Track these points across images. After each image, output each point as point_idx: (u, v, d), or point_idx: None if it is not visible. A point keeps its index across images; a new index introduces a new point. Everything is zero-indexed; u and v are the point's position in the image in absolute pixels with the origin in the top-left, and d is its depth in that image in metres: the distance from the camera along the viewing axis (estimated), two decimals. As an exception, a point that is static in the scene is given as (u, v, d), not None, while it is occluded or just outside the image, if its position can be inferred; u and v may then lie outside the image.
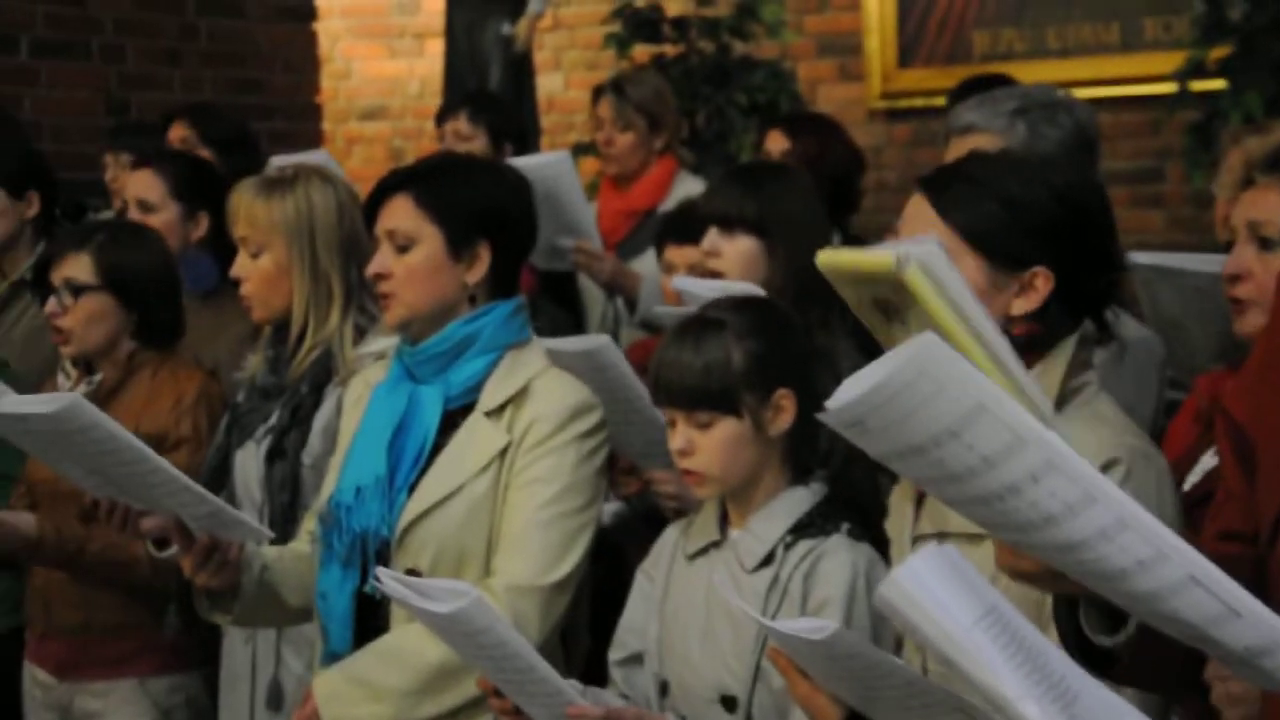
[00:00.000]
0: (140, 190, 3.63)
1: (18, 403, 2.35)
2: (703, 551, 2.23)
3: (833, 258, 1.75)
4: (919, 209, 1.99)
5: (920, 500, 2.00)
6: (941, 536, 1.90)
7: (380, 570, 2.09)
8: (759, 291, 2.50)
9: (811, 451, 2.21)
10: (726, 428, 2.14)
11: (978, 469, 1.31)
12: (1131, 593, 1.32)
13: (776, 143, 3.98)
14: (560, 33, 7.18)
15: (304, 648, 2.68)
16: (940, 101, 4.83)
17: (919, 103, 6.40)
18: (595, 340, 2.68)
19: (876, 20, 6.63)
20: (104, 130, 5.09)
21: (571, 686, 2.08)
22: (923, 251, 1.63)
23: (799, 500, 2.19)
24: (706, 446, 2.14)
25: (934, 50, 6.58)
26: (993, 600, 1.31)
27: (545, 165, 3.69)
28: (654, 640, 2.24)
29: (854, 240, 3.84)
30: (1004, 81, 3.66)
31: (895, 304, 1.67)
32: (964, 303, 1.64)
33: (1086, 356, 1.98)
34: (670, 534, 2.34)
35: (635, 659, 2.30)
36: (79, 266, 3.04)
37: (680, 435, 2.16)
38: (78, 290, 3.02)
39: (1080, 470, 1.27)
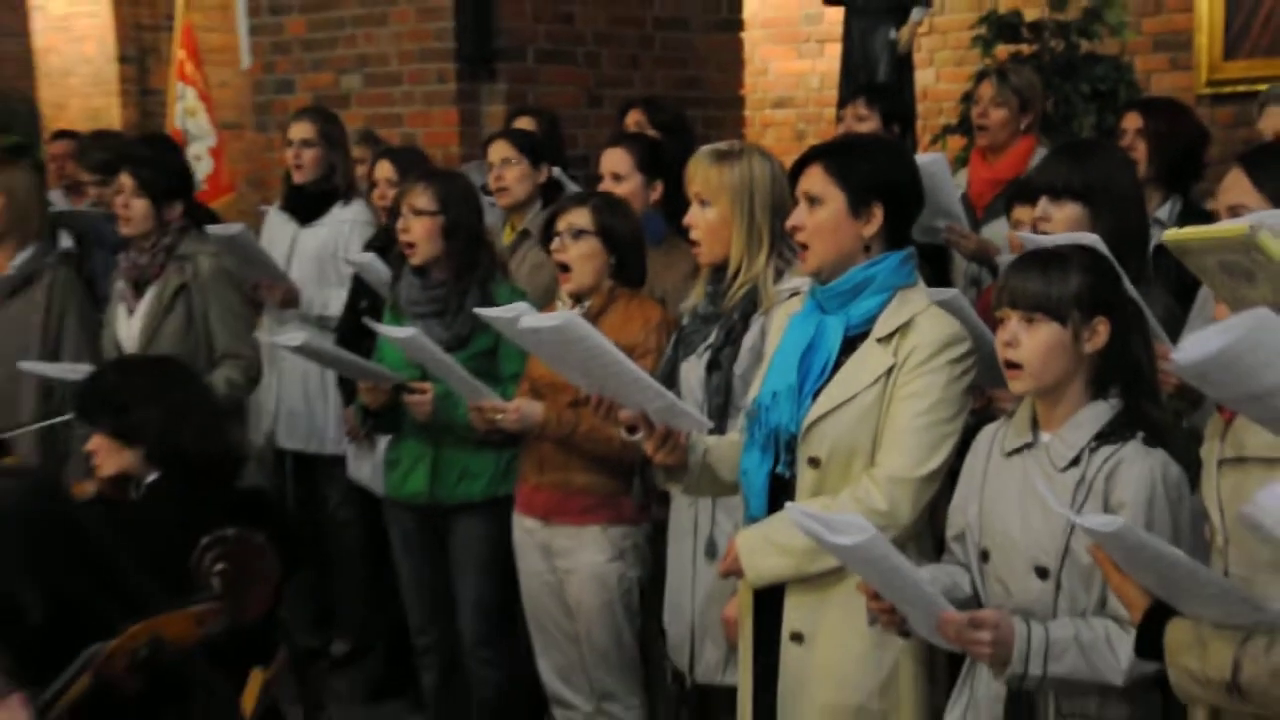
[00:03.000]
0: (613, 165, 3.67)
1: (535, 319, 2.46)
2: (1018, 450, 2.16)
3: (1180, 234, 1.64)
4: (1237, 180, 1.89)
5: (1225, 432, 1.87)
6: (1241, 460, 1.81)
7: (792, 506, 2.10)
8: (1096, 241, 2.39)
9: (1113, 372, 2.11)
10: (1050, 330, 2.07)
11: None
12: None
13: (1132, 122, 3.68)
14: (934, 36, 6.99)
15: (733, 511, 2.72)
16: (1261, 87, 4.50)
17: (1241, 89, 5.94)
18: (948, 292, 2.64)
19: (1206, 20, 6.18)
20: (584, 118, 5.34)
21: (944, 598, 2.06)
22: (1274, 220, 1.52)
23: (1101, 412, 2.10)
24: (1029, 343, 2.07)
25: (1257, 44, 6.08)
26: None
27: (927, 163, 3.60)
28: (974, 517, 2.19)
29: (1195, 208, 3.55)
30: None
31: (1245, 266, 1.55)
32: None
33: None
34: (986, 432, 2.27)
35: (961, 534, 2.26)
36: (581, 216, 3.14)
37: (1010, 329, 2.10)
38: (578, 233, 3.13)
39: None
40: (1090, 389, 2.11)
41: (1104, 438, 2.07)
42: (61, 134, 6.32)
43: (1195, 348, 1.30)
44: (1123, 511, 1.99)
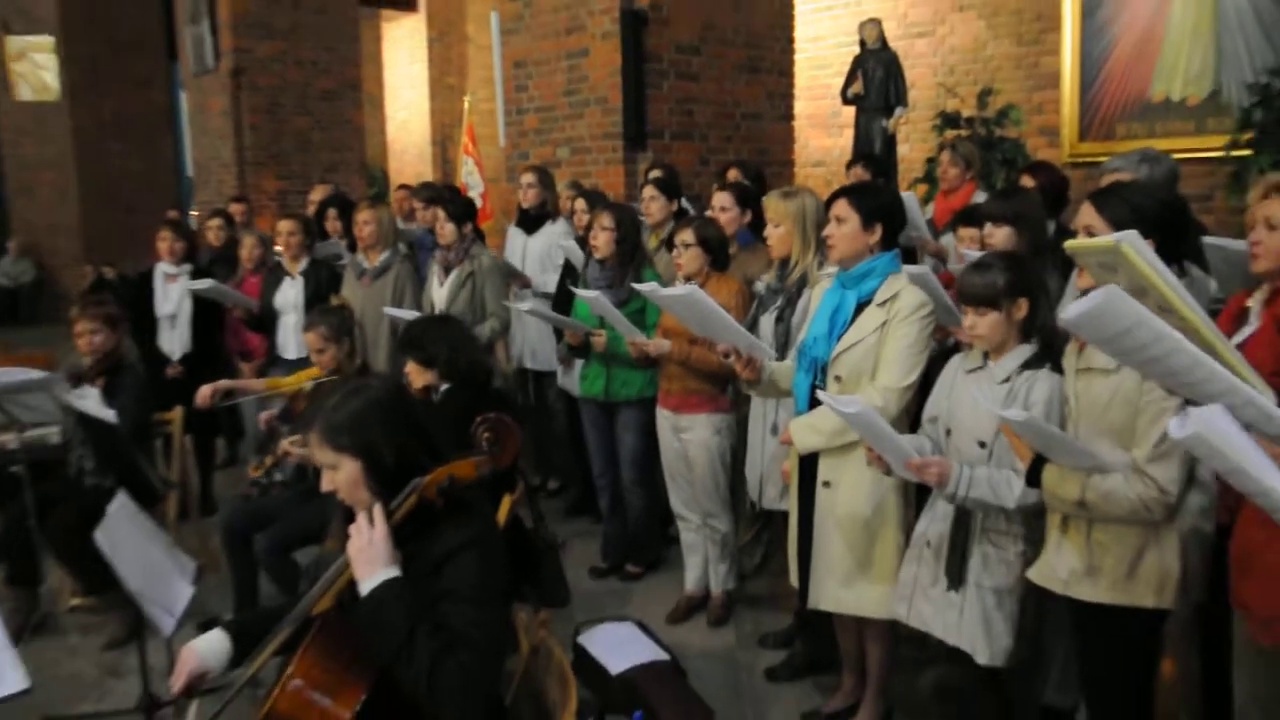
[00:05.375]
0: (721, 201, 3.47)
1: (669, 291, 2.41)
2: (973, 370, 2.08)
3: (1074, 244, 1.56)
4: (1088, 210, 1.81)
5: (1079, 351, 1.87)
6: (1089, 369, 1.81)
7: (822, 394, 2.03)
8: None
9: (1033, 328, 2.02)
10: (993, 316, 2.00)
11: (1137, 349, 1.26)
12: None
13: (1027, 179, 3.43)
14: (908, 125, 6.64)
15: (788, 406, 2.66)
16: (1100, 159, 4.29)
17: (1088, 159, 5.84)
18: (922, 268, 2.54)
19: (1068, 119, 6.12)
20: (697, 173, 5.19)
21: (913, 448, 2.00)
22: (1129, 237, 1.43)
23: (1025, 351, 2.02)
24: (981, 324, 2.01)
25: (1097, 133, 6.02)
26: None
27: (905, 197, 3.40)
28: (944, 410, 2.13)
29: (1063, 227, 3.30)
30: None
31: (1112, 264, 1.46)
32: (1155, 263, 1.41)
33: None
34: (954, 360, 2.20)
35: (934, 419, 2.18)
36: (687, 234, 3.05)
37: (970, 318, 2.03)
38: (686, 245, 3.04)
39: (1195, 353, 1.22)
40: (1018, 336, 2.04)
41: (1026, 366, 2.01)
42: (401, 187, 6.46)
43: (1071, 310, 1.30)
44: (1035, 409, 1.96)
